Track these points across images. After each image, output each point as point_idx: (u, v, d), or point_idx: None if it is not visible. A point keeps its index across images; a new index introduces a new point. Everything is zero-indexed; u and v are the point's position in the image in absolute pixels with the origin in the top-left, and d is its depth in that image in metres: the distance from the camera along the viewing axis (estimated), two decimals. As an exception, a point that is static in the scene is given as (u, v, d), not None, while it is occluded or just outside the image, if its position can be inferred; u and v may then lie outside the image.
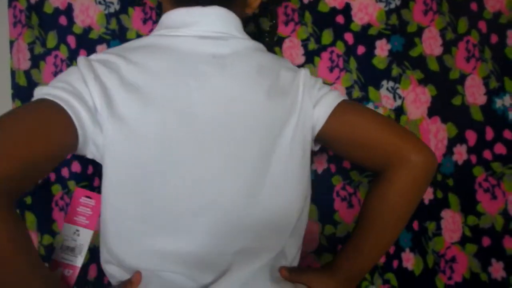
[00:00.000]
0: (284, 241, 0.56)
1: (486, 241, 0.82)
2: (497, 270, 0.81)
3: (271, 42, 0.71)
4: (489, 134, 0.84)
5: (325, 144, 0.62)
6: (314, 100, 0.57)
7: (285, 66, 0.59)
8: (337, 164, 0.84)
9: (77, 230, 0.72)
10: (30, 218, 0.79)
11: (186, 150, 0.49)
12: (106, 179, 0.49)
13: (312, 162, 0.83)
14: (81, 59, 0.51)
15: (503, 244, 0.81)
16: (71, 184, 0.80)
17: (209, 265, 0.50)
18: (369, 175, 0.83)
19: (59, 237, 0.80)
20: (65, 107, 0.45)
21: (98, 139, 0.48)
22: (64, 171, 0.81)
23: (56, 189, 0.81)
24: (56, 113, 0.45)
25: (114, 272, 0.53)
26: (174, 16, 0.55)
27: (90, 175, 0.81)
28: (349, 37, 0.85)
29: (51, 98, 0.45)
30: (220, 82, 0.52)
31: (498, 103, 0.85)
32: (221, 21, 0.56)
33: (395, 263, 0.82)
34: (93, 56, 0.53)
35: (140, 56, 0.51)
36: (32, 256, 0.43)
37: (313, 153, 0.83)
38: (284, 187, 0.53)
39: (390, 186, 0.54)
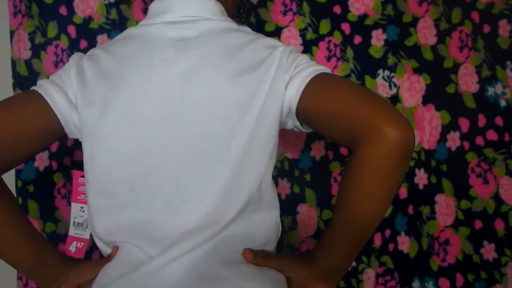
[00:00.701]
0: (231, 216, 0.51)
1: (478, 224, 0.85)
2: (489, 251, 0.84)
3: (242, 18, 0.63)
4: (482, 121, 0.87)
5: (307, 124, 0.57)
6: (288, 77, 0.54)
7: (262, 45, 0.56)
8: (334, 150, 0.86)
9: (81, 207, 0.76)
10: (32, 206, 0.80)
11: (148, 128, 0.52)
12: (84, 156, 0.56)
13: (310, 149, 0.85)
14: (73, 55, 0.60)
15: (495, 226, 0.84)
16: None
17: (157, 238, 0.51)
18: None
19: (61, 224, 0.81)
20: (43, 94, 0.54)
21: (76, 120, 0.55)
22: (65, 159, 0.82)
23: (58, 178, 0.82)
24: (35, 100, 0.53)
25: (98, 244, 0.57)
26: (152, 6, 0.60)
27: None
28: (346, 27, 0.87)
29: (36, 88, 0.55)
30: (182, 64, 0.53)
31: (490, 91, 0.87)
32: (194, 6, 0.58)
33: (391, 246, 0.84)
34: (89, 52, 0.60)
35: (117, 46, 0.57)
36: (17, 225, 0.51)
37: (311, 140, 0.85)
38: (243, 166, 0.52)
39: (360, 161, 0.46)
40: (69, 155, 0.82)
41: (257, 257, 0.53)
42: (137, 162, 0.51)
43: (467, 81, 0.87)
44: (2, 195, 0.51)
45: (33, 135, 0.52)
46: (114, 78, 0.53)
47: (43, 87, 0.54)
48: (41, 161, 0.81)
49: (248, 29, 0.62)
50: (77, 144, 0.82)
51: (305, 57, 0.57)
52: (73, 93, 0.55)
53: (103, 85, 0.53)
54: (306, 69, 0.54)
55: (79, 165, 0.82)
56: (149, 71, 0.53)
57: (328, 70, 0.55)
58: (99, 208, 0.54)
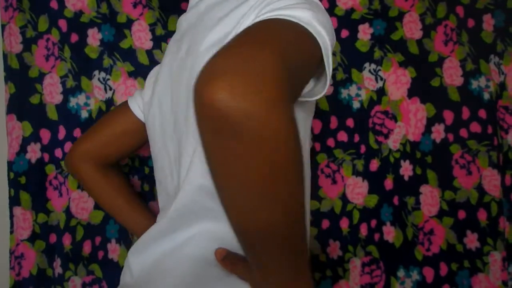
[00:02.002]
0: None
1: (461, 214, 0.87)
2: (472, 241, 0.86)
3: None
4: (466, 113, 0.88)
5: None
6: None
7: (247, 5, 0.47)
8: (321, 142, 0.87)
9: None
10: (24, 197, 0.81)
11: (166, 103, 0.57)
12: None
13: None
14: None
15: (478, 216, 0.86)
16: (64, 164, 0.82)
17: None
18: (352, 153, 0.87)
19: (53, 215, 0.82)
20: (128, 102, 0.69)
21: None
22: (57, 151, 0.83)
23: (50, 169, 0.83)
24: (124, 106, 0.69)
25: None
26: None
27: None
28: (333, 21, 0.89)
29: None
30: (189, 41, 0.53)
31: (474, 84, 0.89)
32: None
33: (377, 236, 0.86)
34: None
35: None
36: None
37: None
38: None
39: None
40: (60, 147, 0.83)
41: (225, 260, 0.45)
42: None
43: (451, 75, 0.89)
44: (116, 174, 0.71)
45: (126, 134, 0.68)
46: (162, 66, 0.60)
47: (131, 97, 0.70)
48: (33, 153, 0.82)
49: None
50: (68, 137, 0.84)
51: (281, 2, 0.42)
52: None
53: (157, 73, 0.62)
54: (270, 12, 0.40)
55: (70, 157, 0.83)
56: (177, 51, 0.56)
57: (301, 19, 0.39)
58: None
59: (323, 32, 0.40)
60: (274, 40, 0.32)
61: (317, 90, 0.43)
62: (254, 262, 0.37)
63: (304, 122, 0.49)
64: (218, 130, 0.27)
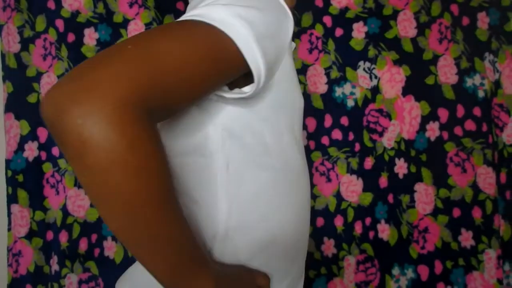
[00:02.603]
0: None
1: (456, 212, 0.87)
2: (467, 238, 0.86)
3: None
4: (460, 111, 0.89)
5: None
6: None
7: None
8: (316, 141, 0.88)
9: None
10: (22, 195, 0.82)
11: None
12: None
13: None
14: None
15: (472, 214, 0.86)
16: (62, 162, 0.84)
17: None
18: (347, 151, 0.88)
19: (50, 212, 0.83)
20: None
21: None
22: (54, 150, 0.84)
23: (47, 167, 0.84)
24: None
25: None
26: None
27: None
28: (327, 20, 0.89)
29: None
30: None
31: (469, 82, 0.89)
32: None
33: (371, 234, 0.87)
34: None
35: None
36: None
37: None
38: None
39: None
40: (57, 145, 0.84)
41: None
42: None
43: (446, 73, 0.89)
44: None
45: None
46: None
47: None
48: (31, 151, 0.83)
49: None
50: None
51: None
52: None
53: None
54: (188, 12, 0.38)
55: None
56: None
57: (210, 18, 0.35)
58: None
59: (243, 27, 0.35)
60: (135, 55, 0.30)
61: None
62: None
63: (272, 115, 0.44)
64: (64, 152, 0.28)
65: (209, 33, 0.35)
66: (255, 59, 0.36)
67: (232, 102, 0.42)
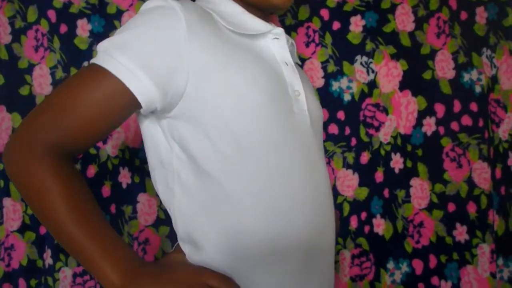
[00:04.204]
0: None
1: (451, 207, 0.87)
2: (461, 233, 0.87)
3: None
4: (457, 106, 0.88)
5: None
6: None
7: None
8: None
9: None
10: (14, 189, 0.81)
11: None
12: None
13: None
14: None
15: (467, 209, 0.87)
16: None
17: None
18: (343, 145, 0.87)
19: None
20: None
21: None
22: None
23: (40, 161, 0.83)
24: None
25: None
26: None
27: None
28: (325, 13, 0.88)
29: None
30: None
31: (466, 77, 0.89)
32: None
33: (367, 229, 0.87)
34: None
35: None
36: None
37: None
38: None
39: None
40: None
41: None
42: None
43: (443, 67, 0.89)
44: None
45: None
46: None
47: None
48: (23, 144, 0.82)
49: None
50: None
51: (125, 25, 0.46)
52: None
53: None
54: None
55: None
56: None
57: (102, 60, 0.43)
58: None
59: (122, 57, 0.42)
60: (39, 109, 0.43)
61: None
62: None
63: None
64: None
65: (98, 75, 0.43)
66: (136, 83, 0.42)
67: (169, 116, 0.46)
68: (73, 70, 0.83)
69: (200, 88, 0.43)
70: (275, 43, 0.50)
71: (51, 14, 0.83)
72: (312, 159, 0.49)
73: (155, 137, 0.49)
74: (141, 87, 0.42)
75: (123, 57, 0.42)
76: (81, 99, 0.42)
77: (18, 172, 0.41)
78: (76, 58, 0.84)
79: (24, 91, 0.83)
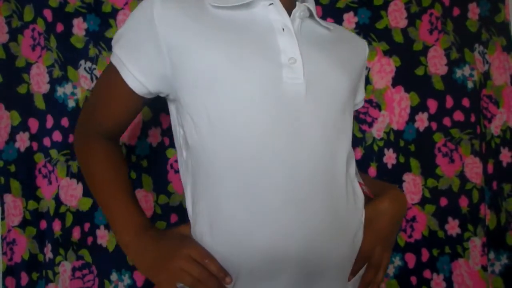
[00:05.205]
0: None
1: (443, 201, 0.88)
2: (453, 227, 0.88)
3: None
4: (449, 102, 0.89)
5: None
6: None
7: None
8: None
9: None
10: (15, 185, 0.83)
11: None
12: None
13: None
14: None
15: (459, 203, 0.88)
16: (53, 152, 0.84)
17: None
18: None
19: (43, 202, 0.84)
20: None
21: None
22: (46, 140, 0.85)
23: (39, 158, 0.84)
24: None
25: None
26: None
27: (71, 144, 0.85)
28: (318, 10, 0.89)
29: None
30: None
31: (458, 73, 0.89)
32: None
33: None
34: None
35: None
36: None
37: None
38: None
39: None
40: (48, 136, 0.84)
41: None
42: None
43: (436, 64, 0.89)
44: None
45: None
46: None
47: None
48: (22, 142, 0.84)
49: None
50: (56, 126, 0.85)
51: None
52: None
53: None
54: None
55: (58, 146, 0.84)
56: None
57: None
58: None
59: (116, 49, 0.53)
60: (84, 106, 0.63)
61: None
62: None
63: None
64: None
65: (109, 67, 0.54)
66: (123, 72, 0.51)
67: (172, 99, 0.53)
68: (70, 69, 0.85)
69: (177, 69, 0.49)
70: (271, 9, 0.50)
71: (47, 13, 0.85)
72: (297, 132, 0.46)
73: (173, 121, 0.56)
74: (129, 75, 0.50)
75: (116, 49, 0.52)
76: (99, 94, 0.57)
77: (79, 149, 0.58)
78: (72, 57, 0.85)
79: (22, 89, 0.84)
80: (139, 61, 0.50)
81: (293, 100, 0.47)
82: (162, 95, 0.54)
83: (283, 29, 0.49)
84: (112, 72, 0.52)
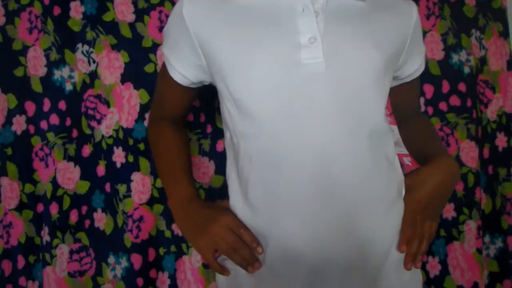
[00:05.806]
0: None
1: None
2: (449, 210, 0.89)
3: None
4: (445, 87, 0.90)
5: None
6: None
7: None
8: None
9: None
10: (11, 168, 0.83)
11: None
12: None
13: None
14: None
15: (455, 187, 0.88)
16: (50, 135, 0.84)
17: None
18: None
19: (40, 185, 0.84)
20: None
21: None
22: (42, 123, 0.84)
23: (36, 141, 0.84)
24: None
25: None
26: None
27: (68, 127, 0.84)
28: None
29: None
30: None
31: (455, 58, 0.90)
32: None
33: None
34: None
35: None
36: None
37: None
38: None
39: None
40: (45, 119, 0.84)
41: None
42: None
43: (432, 49, 0.90)
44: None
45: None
46: None
47: None
48: (18, 125, 0.84)
49: None
50: (53, 109, 0.85)
51: None
52: None
53: None
54: None
55: (56, 129, 0.84)
56: None
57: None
58: None
59: (162, 47, 0.62)
60: (154, 99, 0.72)
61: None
62: None
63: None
64: None
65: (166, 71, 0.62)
66: (170, 68, 0.60)
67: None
68: (67, 52, 0.85)
69: (208, 58, 0.55)
70: None
71: (44, -4, 0.84)
72: (309, 114, 0.49)
73: (221, 105, 0.59)
74: (172, 69, 0.59)
75: (163, 47, 0.61)
76: (159, 86, 0.67)
77: (152, 132, 0.68)
78: (69, 40, 0.85)
79: (18, 72, 0.84)
80: (178, 55, 0.58)
81: (310, 80, 0.49)
82: (206, 83, 0.61)
83: (303, 9, 0.50)
84: (164, 66, 0.62)
